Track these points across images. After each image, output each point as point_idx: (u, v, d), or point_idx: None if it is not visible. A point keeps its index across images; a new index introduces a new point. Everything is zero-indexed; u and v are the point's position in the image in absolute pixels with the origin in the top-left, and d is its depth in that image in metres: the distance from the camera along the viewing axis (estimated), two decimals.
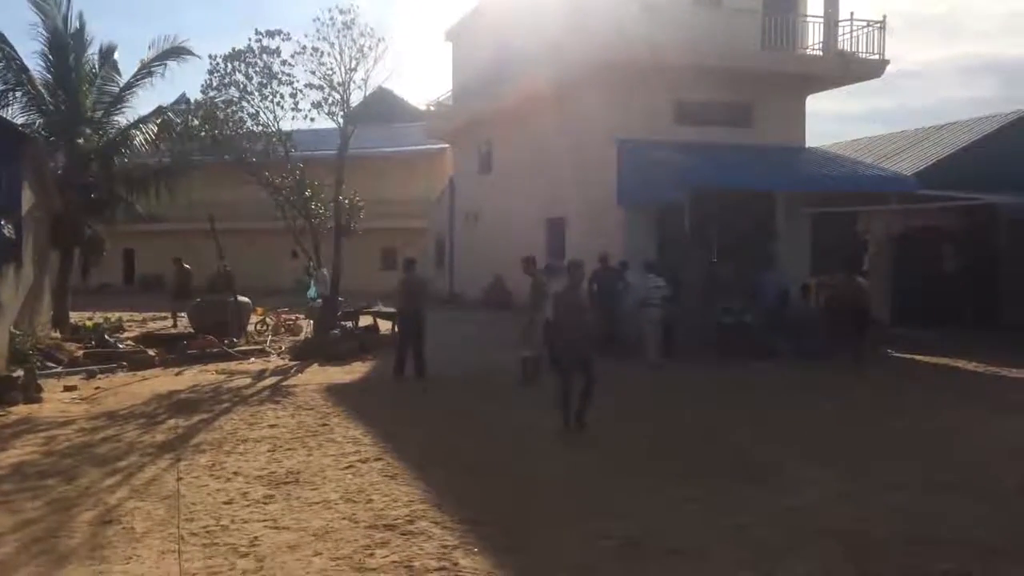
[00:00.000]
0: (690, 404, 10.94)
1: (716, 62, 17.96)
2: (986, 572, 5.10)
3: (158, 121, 19.71)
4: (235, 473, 7.34)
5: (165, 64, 19.85)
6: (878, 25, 18.86)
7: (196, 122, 17.21)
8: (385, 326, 17.33)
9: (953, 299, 18.69)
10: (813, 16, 19.42)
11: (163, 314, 21.51)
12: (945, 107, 76.95)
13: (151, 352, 14.90)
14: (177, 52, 19.91)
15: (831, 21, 18.92)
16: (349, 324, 17.04)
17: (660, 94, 18.41)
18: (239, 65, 16.50)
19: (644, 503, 6.44)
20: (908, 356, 15.40)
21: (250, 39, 16.42)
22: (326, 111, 16.51)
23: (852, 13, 19.05)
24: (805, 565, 5.22)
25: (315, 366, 14.18)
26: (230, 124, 16.90)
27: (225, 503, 6.46)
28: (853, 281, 14.91)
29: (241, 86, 16.58)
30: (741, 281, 16.69)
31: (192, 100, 17.58)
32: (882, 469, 7.52)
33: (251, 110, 16.73)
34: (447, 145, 31.82)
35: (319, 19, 15.96)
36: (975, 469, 7.63)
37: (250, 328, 18.08)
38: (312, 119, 16.91)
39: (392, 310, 17.32)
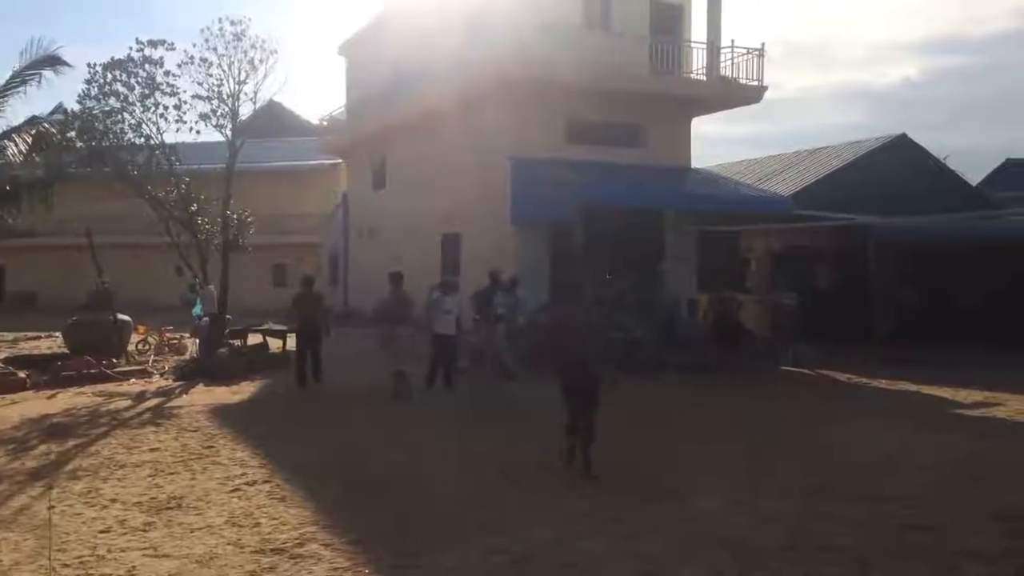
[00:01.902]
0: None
1: (607, 84, 18.40)
2: (859, 575, 5.34)
3: (32, 132, 18.64)
4: (112, 500, 6.98)
5: (40, 73, 18.82)
6: (757, 53, 19.74)
7: (73, 133, 16.42)
8: (275, 344, 16.89)
9: (827, 315, 19.64)
10: (697, 42, 20.17)
11: (36, 333, 20.33)
12: (820, 132, 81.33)
13: (21, 374, 14.04)
14: (51, 62, 18.90)
15: (714, 48, 19.68)
16: (237, 343, 16.53)
17: (554, 113, 18.72)
18: (120, 74, 15.90)
19: (538, 518, 6.46)
20: (787, 368, 16.09)
21: (131, 48, 15.88)
22: (214, 123, 16.08)
23: (733, 41, 19.89)
24: (696, 574, 5.36)
25: (200, 386, 13.68)
26: (110, 135, 16.23)
27: (101, 532, 6.13)
28: (732, 297, 15.55)
29: (122, 96, 15.97)
30: (632, 297, 17.08)
31: (69, 110, 16.77)
32: (770, 478, 7.80)
33: (133, 121, 16.12)
34: (340, 160, 31.42)
35: (207, 29, 15.57)
36: (854, 475, 7.99)
37: (131, 348, 17.33)
38: (198, 132, 16.44)
39: (283, 328, 17.00)
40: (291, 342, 16.64)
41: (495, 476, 7.83)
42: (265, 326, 17.55)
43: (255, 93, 16.05)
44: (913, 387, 13.98)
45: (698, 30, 20.38)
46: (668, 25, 20.12)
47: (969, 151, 64.81)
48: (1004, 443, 9.66)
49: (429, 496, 7.16)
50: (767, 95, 19.86)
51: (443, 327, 12.84)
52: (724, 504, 6.86)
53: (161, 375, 15.05)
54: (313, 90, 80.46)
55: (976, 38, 79.83)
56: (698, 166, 21.39)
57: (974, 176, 29.17)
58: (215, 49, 15.66)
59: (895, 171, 21.36)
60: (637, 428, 10.18)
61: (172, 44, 15.98)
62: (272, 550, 5.72)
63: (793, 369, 16.02)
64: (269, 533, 6.08)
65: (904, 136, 22.79)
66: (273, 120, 36.40)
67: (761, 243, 20.15)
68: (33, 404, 12.09)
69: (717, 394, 13.20)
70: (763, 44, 19.83)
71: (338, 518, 6.41)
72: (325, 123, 29.63)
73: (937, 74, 79.95)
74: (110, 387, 13.66)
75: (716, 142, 77.46)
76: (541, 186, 17.59)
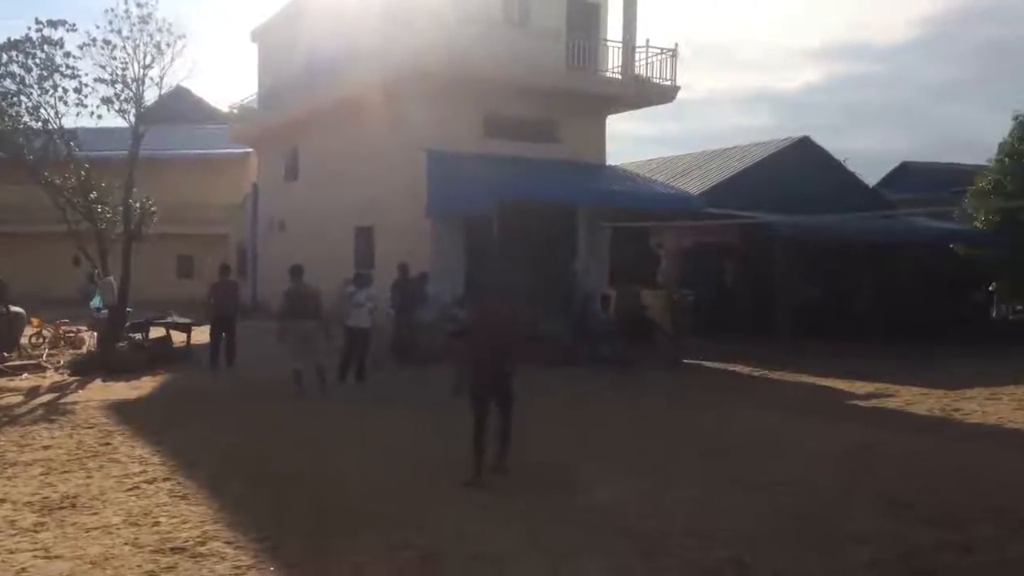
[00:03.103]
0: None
1: (525, 79, 18.48)
2: (756, 559, 5.54)
3: None
4: (1, 500, 6.67)
5: None
6: (670, 53, 20.15)
7: None
8: (179, 338, 16.38)
9: (734, 310, 20.25)
10: (613, 41, 20.44)
11: None
12: (726, 133, 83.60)
13: None
14: None
15: (629, 47, 19.99)
16: (138, 336, 15.97)
17: (471, 107, 18.69)
18: (16, 55, 15.18)
19: (445, 512, 6.48)
20: (695, 362, 16.52)
21: (29, 28, 15.17)
22: (117, 108, 15.48)
23: (648, 40, 20.24)
24: (599, 563, 5.46)
25: (98, 382, 13.17)
26: (6, 119, 15.49)
27: None
28: (638, 292, 15.93)
29: (18, 78, 15.27)
30: (546, 291, 17.26)
31: None
32: (672, 467, 8.01)
33: (30, 104, 15.42)
34: (251, 149, 30.66)
35: (112, 11, 15.00)
36: (751, 464, 8.27)
37: (24, 341, 16.57)
38: (100, 116, 15.80)
39: (187, 320, 16.56)
40: (195, 336, 16.24)
41: (403, 470, 7.80)
42: (168, 319, 16.98)
43: (161, 78, 15.53)
44: (811, 380, 14.56)
45: (614, 29, 20.67)
46: (585, 23, 20.31)
47: (867, 154, 67.81)
48: (893, 432, 10.13)
49: (336, 491, 7.08)
50: (679, 95, 20.30)
51: (356, 320, 12.77)
52: (627, 495, 7.00)
53: (56, 370, 14.45)
54: (224, 77, 78.24)
55: (876, 47, 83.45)
56: (612, 163, 21.71)
57: (871, 178, 30.43)
58: (119, 31, 15.10)
59: (798, 172, 22.14)
60: (545, 421, 10.26)
61: (73, 25, 15.33)
62: (172, 549, 5.57)
63: (697, 363, 16.45)
64: (169, 532, 5.92)
65: (807, 138, 23.63)
66: (182, 106, 35.26)
67: (672, 239, 20.61)
68: None
69: (624, 387, 13.47)
70: (676, 45, 20.26)
71: (243, 515, 6.28)
72: (235, 111, 28.84)
73: (839, 79, 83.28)
74: (1, 382, 13.03)
75: (629, 140, 78.84)
76: (457, 180, 17.55)
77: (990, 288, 24.91)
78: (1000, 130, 23.15)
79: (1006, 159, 22.68)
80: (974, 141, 77.38)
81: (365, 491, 7.10)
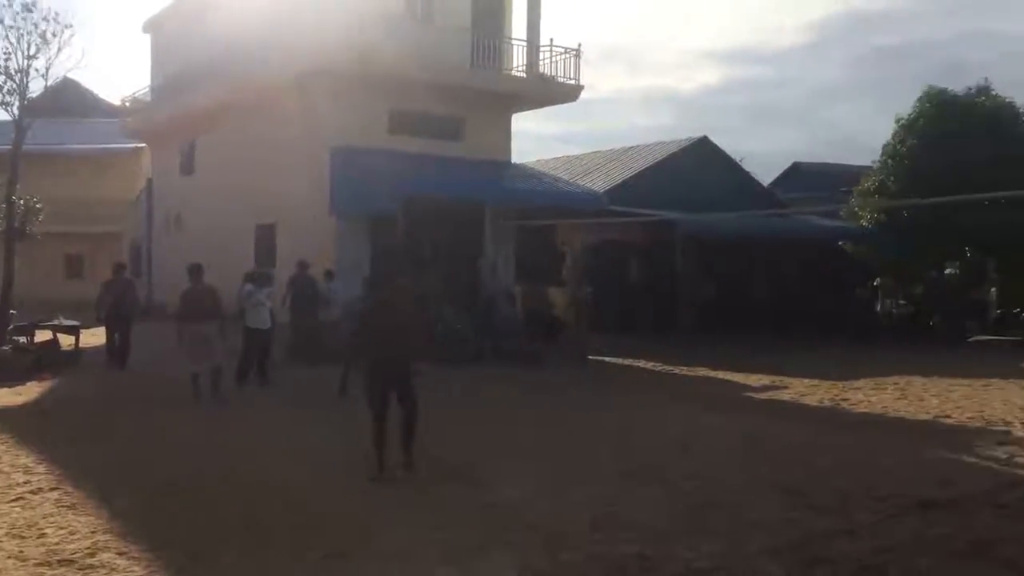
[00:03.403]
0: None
1: (429, 76, 18.36)
2: (659, 552, 5.66)
3: None
4: None
5: None
6: (574, 53, 20.40)
7: None
8: (67, 341, 15.62)
9: (636, 307, 20.68)
10: (518, 40, 20.55)
11: None
12: (631, 132, 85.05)
13: None
14: None
15: (533, 46, 20.15)
16: (23, 340, 15.16)
17: (375, 103, 18.47)
18: None
19: (348, 511, 6.38)
20: (599, 358, 16.79)
21: None
22: None
23: (552, 40, 20.45)
24: (504, 559, 5.47)
25: None
26: None
27: None
28: (544, 289, 16.11)
29: None
30: (452, 289, 17.24)
31: None
32: (577, 463, 8.10)
33: None
34: (144, 144, 29.47)
35: None
36: (654, 457, 8.45)
37: None
38: None
39: (75, 323, 15.83)
40: (85, 339, 15.54)
41: (305, 472, 7.64)
42: (55, 321, 16.17)
43: (47, 69, 14.91)
44: (711, 374, 15.00)
45: (519, 28, 20.79)
46: (490, 21, 20.34)
47: (762, 154, 70.30)
48: (788, 422, 10.54)
49: (233, 496, 6.86)
50: (582, 95, 20.58)
51: (255, 321, 12.40)
52: (532, 491, 7.04)
53: None
54: (116, 69, 75.00)
55: (769, 50, 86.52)
56: (517, 161, 21.83)
57: (766, 178, 31.53)
58: (1, 20, 14.42)
59: (697, 171, 22.77)
60: (450, 418, 10.24)
61: None
62: (60, 561, 5.30)
63: (601, 359, 16.73)
64: (56, 544, 5.63)
65: (705, 139, 24.32)
66: (70, 99, 33.58)
67: (577, 237, 20.89)
68: None
69: (530, 384, 13.55)
70: (580, 44, 20.55)
71: (134, 524, 6.03)
72: (128, 104, 27.68)
73: (735, 81, 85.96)
74: None
75: (534, 139, 79.48)
76: (362, 177, 17.32)
77: (875, 284, 26.23)
78: (885, 132, 24.30)
79: (889, 160, 23.87)
80: (861, 143, 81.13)
81: (265, 495, 6.91)
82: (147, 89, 26.55)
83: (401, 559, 5.40)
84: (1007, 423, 10.39)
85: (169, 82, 24.31)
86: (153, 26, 26.29)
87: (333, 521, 6.15)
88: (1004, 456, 8.65)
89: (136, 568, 5.20)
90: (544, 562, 5.45)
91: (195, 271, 11.98)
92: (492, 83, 19.74)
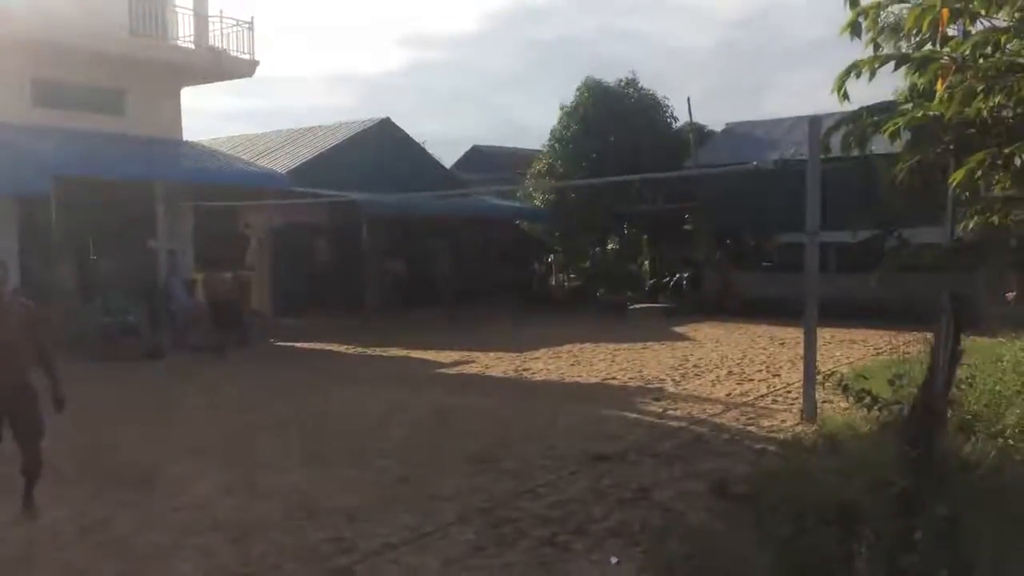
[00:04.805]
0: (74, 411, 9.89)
1: (80, 41, 16.44)
2: (355, 533, 5.66)
3: None
4: None
5: None
6: (247, 26, 19.46)
7: None
8: None
9: (326, 288, 20.40)
10: (183, 8, 19.16)
11: None
12: (315, 112, 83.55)
13: None
14: None
15: (201, 15, 18.91)
16: None
17: (15, 72, 16.19)
18: None
19: (10, 534, 5.62)
20: (289, 344, 16.35)
21: None
22: None
23: (221, 11, 19.33)
24: (191, 561, 5.17)
25: None
26: None
27: None
28: (223, 275, 15.43)
29: None
30: (124, 277, 15.83)
31: None
32: (266, 454, 7.81)
33: None
34: None
35: None
36: (346, 439, 8.43)
37: None
38: None
39: None
40: None
41: None
42: None
43: None
44: (403, 352, 15.26)
45: None
46: None
47: (443, 137, 72.70)
48: (476, 396, 11.04)
49: None
50: (264, 73, 19.84)
51: None
52: (220, 487, 6.70)
53: None
54: None
55: (449, 37, 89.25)
56: (192, 139, 20.44)
57: (448, 160, 32.53)
58: None
59: (380, 152, 22.87)
60: (126, 421, 9.44)
61: None
62: None
63: (292, 344, 16.33)
64: None
65: (388, 120, 24.43)
66: None
67: (261, 219, 20.08)
68: None
69: (213, 375, 12.89)
70: (252, 17, 19.67)
71: None
72: None
73: (415, 66, 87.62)
74: None
75: (213, 116, 74.91)
76: (3, 155, 15.14)
77: (549, 259, 28.34)
78: (552, 118, 26.21)
79: (556, 145, 25.85)
80: (535, 127, 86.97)
81: None
82: None
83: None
84: (660, 381, 11.75)
85: None
86: None
87: None
88: (659, 410, 9.78)
89: None
90: (231, 559, 5.21)
91: None
92: (155, 53, 18.20)
